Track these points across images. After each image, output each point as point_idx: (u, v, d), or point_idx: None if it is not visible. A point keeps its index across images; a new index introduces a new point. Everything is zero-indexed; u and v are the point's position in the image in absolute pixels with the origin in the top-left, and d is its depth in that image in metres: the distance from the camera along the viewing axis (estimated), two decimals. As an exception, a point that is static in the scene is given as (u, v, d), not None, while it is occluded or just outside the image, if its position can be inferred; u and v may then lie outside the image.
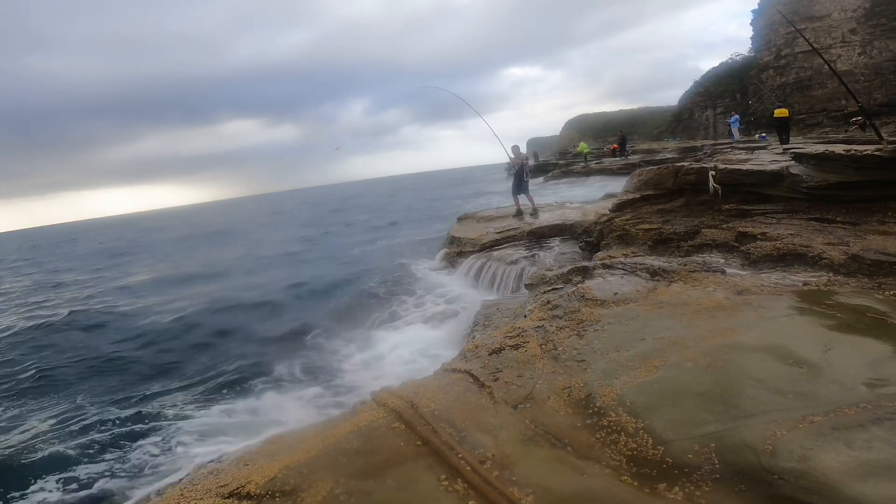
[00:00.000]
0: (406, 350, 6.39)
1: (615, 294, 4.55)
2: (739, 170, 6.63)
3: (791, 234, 5.30)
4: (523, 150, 11.97)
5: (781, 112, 17.88)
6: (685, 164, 7.91)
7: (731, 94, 47.13)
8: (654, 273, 5.05)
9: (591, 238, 8.27)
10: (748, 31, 44.60)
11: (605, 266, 5.53)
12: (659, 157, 21.82)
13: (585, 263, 6.14)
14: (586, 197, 13.73)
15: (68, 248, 39.99)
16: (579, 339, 3.68)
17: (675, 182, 7.50)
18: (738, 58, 50.00)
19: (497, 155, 11.98)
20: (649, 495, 2.13)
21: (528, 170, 11.13)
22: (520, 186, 11.05)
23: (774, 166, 6.52)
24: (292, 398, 5.69)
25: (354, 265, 13.44)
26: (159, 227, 55.72)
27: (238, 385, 6.37)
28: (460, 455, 2.50)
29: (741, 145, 16.38)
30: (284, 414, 5.25)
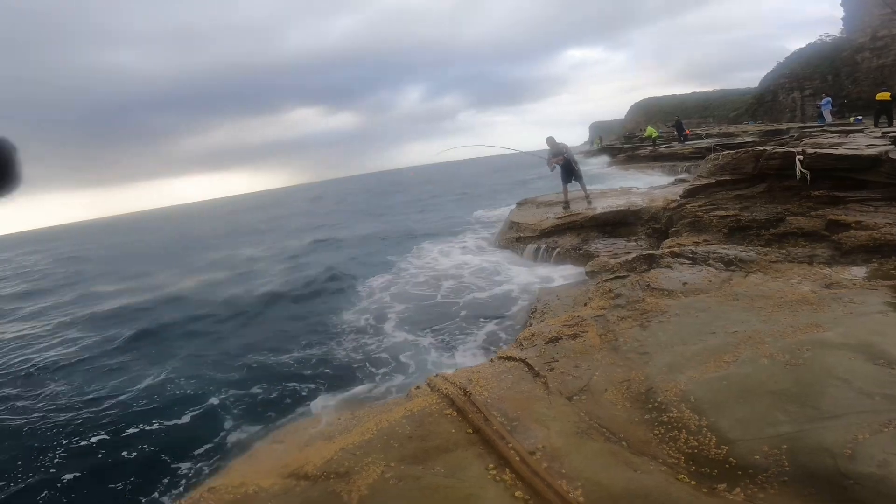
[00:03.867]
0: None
1: (684, 284, 4.29)
2: (832, 154, 6.01)
3: (890, 224, 4.74)
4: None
5: (884, 95, 16.71)
6: (767, 147, 7.29)
7: (821, 76, 44.56)
8: (730, 262, 4.72)
9: (658, 225, 7.86)
10: (838, 12, 41.46)
11: (673, 254, 5.25)
12: (737, 140, 20.32)
13: (651, 251, 5.86)
14: (653, 182, 13.05)
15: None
16: (642, 331, 3.49)
17: (756, 167, 6.93)
18: (828, 39, 47.18)
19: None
20: (707, 495, 2.02)
21: (574, 159, 10.52)
22: (570, 175, 10.41)
23: (872, 151, 5.86)
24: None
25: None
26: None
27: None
28: (510, 445, 2.45)
29: (834, 129, 14.94)
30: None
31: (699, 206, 6.99)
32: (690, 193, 7.57)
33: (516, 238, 9.77)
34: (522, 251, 9.21)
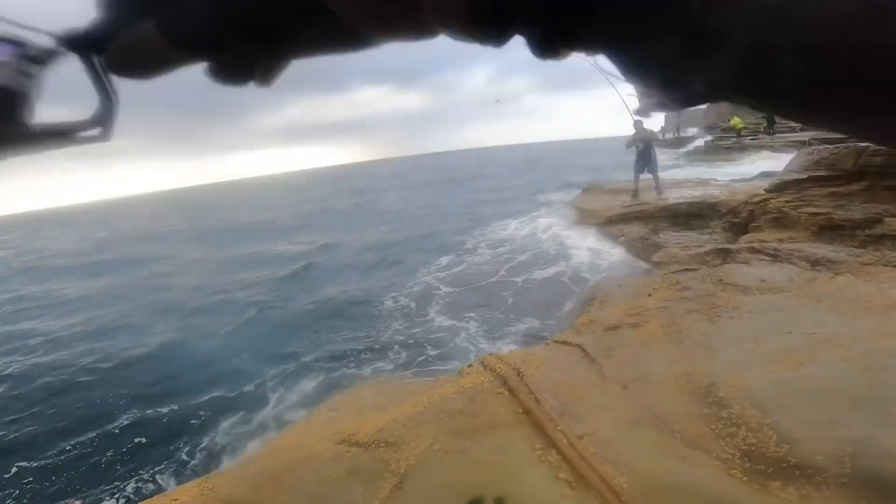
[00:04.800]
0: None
1: (761, 281, 4.03)
2: (948, 150, 5.36)
3: None
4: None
5: None
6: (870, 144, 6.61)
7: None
8: (816, 262, 4.37)
9: (737, 219, 7.38)
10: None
11: (752, 250, 4.93)
12: (837, 134, 18.50)
13: (728, 245, 5.54)
14: (735, 175, 12.20)
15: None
16: (710, 325, 3.33)
17: (857, 163, 6.33)
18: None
19: (622, 129, 10.93)
20: (758, 492, 1.96)
21: (654, 147, 9.93)
22: (645, 164, 9.86)
23: None
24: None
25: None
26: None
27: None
28: (559, 427, 2.44)
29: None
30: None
31: (786, 201, 6.50)
32: (777, 188, 7.06)
33: (580, 224, 9.52)
34: (585, 237, 8.98)
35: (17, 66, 0.36)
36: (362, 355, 6.14)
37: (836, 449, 2.03)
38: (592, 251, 8.29)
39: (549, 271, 7.93)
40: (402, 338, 6.45)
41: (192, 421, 5.05)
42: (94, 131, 0.38)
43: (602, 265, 7.50)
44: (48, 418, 5.53)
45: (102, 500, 4.02)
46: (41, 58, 0.37)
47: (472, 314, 6.70)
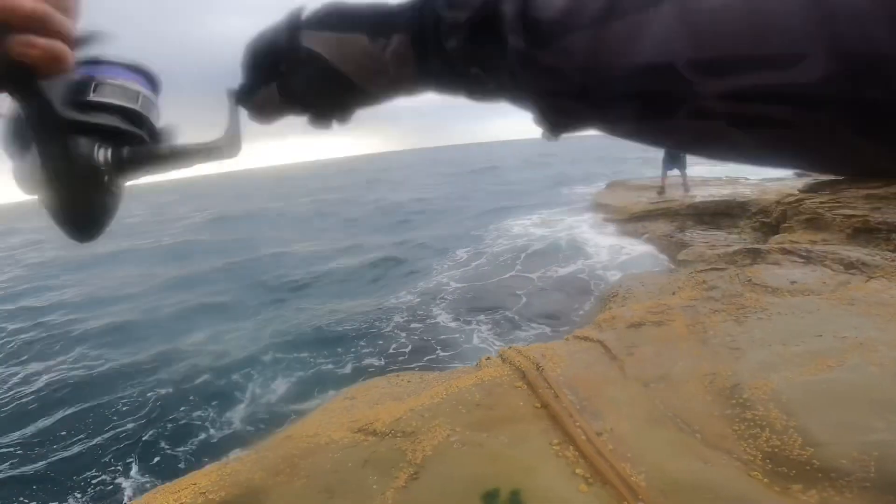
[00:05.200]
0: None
1: (792, 283, 3.91)
2: None
3: None
4: None
5: None
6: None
7: None
8: (850, 265, 4.22)
9: (767, 219, 7.18)
10: None
11: (783, 251, 4.78)
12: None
13: (757, 246, 5.39)
14: (768, 174, 11.88)
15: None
16: (737, 326, 3.24)
17: None
18: None
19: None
20: (778, 494, 1.93)
21: None
22: (672, 160, 9.60)
23: None
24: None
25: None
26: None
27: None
28: (577, 423, 2.41)
29: None
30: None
31: (821, 202, 6.29)
32: (813, 188, 6.83)
33: (602, 220, 9.38)
34: (608, 234, 8.85)
35: (147, 96, 0.48)
36: (383, 340, 6.19)
37: (861, 453, 1.98)
38: (613, 248, 8.18)
39: (568, 269, 7.85)
40: (405, 335, 6.48)
41: (183, 408, 5.17)
42: (228, 149, 0.51)
43: (622, 262, 7.39)
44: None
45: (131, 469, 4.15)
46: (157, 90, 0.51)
47: (481, 317, 6.69)
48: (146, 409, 5.27)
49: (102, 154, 0.44)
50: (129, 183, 0.48)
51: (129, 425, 4.98)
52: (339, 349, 6.23)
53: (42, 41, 0.35)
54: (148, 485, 4.00)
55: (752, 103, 0.27)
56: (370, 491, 2.17)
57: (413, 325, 6.71)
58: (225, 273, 11.32)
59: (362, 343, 6.34)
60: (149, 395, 5.57)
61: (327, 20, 0.46)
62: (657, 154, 9.97)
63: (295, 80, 0.48)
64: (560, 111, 0.38)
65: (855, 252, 4.57)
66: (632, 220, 8.61)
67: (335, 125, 0.53)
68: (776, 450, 2.12)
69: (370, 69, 0.45)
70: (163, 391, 5.61)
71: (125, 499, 3.90)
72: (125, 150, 0.45)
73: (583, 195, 13.78)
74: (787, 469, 2.03)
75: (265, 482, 2.32)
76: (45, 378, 6.34)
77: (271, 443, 2.73)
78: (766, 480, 2.00)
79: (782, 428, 2.20)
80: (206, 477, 2.42)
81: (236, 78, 0.53)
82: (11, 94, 0.38)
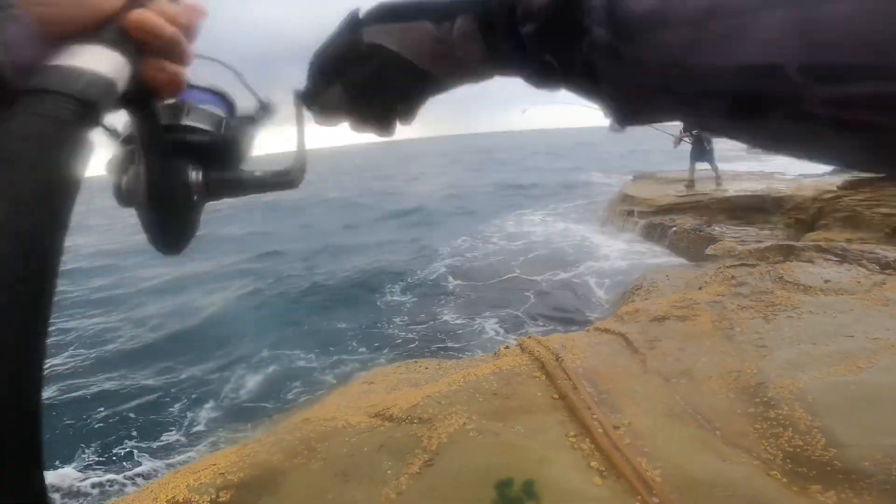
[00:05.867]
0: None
1: (826, 281, 3.78)
2: None
3: None
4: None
5: None
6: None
7: None
8: (886, 265, 4.07)
9: (802, 216, 6.94)
10: None
11: (818, 248, 4.63)
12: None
13: (791, 242, 5.23)
14: (806, 169, 11.46)
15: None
16: (765, 323, 3.16)
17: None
18: None
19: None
20: (796, 494, 1.89)
21: (707, 136, 9.32)
22: (702, 153, 9.29)
23: None
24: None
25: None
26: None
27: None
28: (595, 416, 2.38)
29: None
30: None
31: (860, 200, 6.06)
32: (852, 185, 6.58)
33: (628, 211, 9.22)
34: (634, 225, 8.71)
35: (229, 121, 0.50)
36: (400, 328, 6.23)
37: (885, 456, 1.93)
38: (630, 241, 8.10)
39: (577, 269, 7.82)
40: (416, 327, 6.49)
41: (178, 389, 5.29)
42: (297, 180, 0.53)
43: (638, 263, 7.30)
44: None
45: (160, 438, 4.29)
46: (251, 117, 0.54)
47: (487, 312, 6.69)
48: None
49: (195, 175, 0.47)
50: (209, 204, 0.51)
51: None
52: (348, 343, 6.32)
53: (172, 67, 0.36)
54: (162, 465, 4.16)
55: (862, 109, 0.27)
56: (384, 476, 2.19)
57: (420, 319, 6.76)
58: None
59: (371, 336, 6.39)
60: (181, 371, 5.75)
61: (389, 13, 0.47)
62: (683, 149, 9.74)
63: (360, 76, 0.49)
64: (640, 103, 0.38)
65: (892, 252, 4.39)
66: (660, 213, 8.43)
67: (399, 125, 0.53)
68: (798, 450, 2.07)
69: (437, 53, 0.46)
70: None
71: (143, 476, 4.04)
72: (213, 174, 0.48)
73: (608, 188, 13.57)
74: (808, 469, 1.99)
75: (283, 464, 2.36)
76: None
77: (289, 425, 2.78)
78: (784, 480, 1.96)
79: (806, 428, 2.15)
80: (226, 458, 2.46)
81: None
82: (130, 113, 0.40)
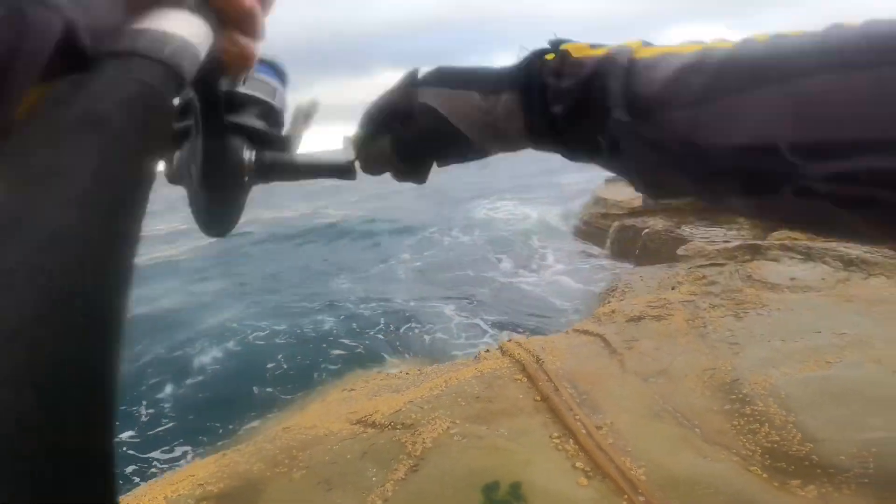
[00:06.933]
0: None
1: (791, 279, 3.93)
2: None
3: None
4: None
5: None
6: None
7: None
8: (850, 262, 4.23)
9: (767, 215, 7.18)
10: None
11: (783, 247, 4.80)
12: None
13: (757, 241, 5.39)
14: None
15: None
16: (736, 321, 3.26)
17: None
18: None
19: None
20: (777, 489, 1.94)
21: None
22: None
23: None
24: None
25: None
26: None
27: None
28: (577, 417, 2.41)
29: None
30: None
31: (820, 198, 6.29)
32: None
33: (601, 214, 9.40)
34: (607, 229, 8.88)
35: (281, 91, 0.50)
36: (381, 331, 6.18)
37: (860, 449, 2.00)
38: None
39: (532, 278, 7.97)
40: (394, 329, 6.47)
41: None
42: (350, 172, 0.54)
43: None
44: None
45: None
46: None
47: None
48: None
49: (248, 155, 0.46)
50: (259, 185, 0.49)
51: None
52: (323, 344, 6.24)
53: (243, 41, 0.34)
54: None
55: (861, 186, 0.28)
56: (369, 483, 2.17)
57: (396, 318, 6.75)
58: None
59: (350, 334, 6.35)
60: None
61: (443, 78, 0.50)
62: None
63: (410, 133, 0.51)
64: (660, 180, 0.41)
65: (855, 250, 4.57)
66: (632, 215, 8.63)
67: (425, 176, 0.57)
68: (775, 445, 2.14)
69: (482, 123, 0.49)
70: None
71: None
72: (267, 155, 0.47)
73: (582, 188, 13.78)
74: (786, 464, 2.05)
75: (263, 473, 2.31)
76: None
77: (269, 434, 2.72)
78: (765, 475, 2.02)
79: (781, 423, 2.22)
80: (205, 468, 2.40)
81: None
82: (196, 88, 0.38)
